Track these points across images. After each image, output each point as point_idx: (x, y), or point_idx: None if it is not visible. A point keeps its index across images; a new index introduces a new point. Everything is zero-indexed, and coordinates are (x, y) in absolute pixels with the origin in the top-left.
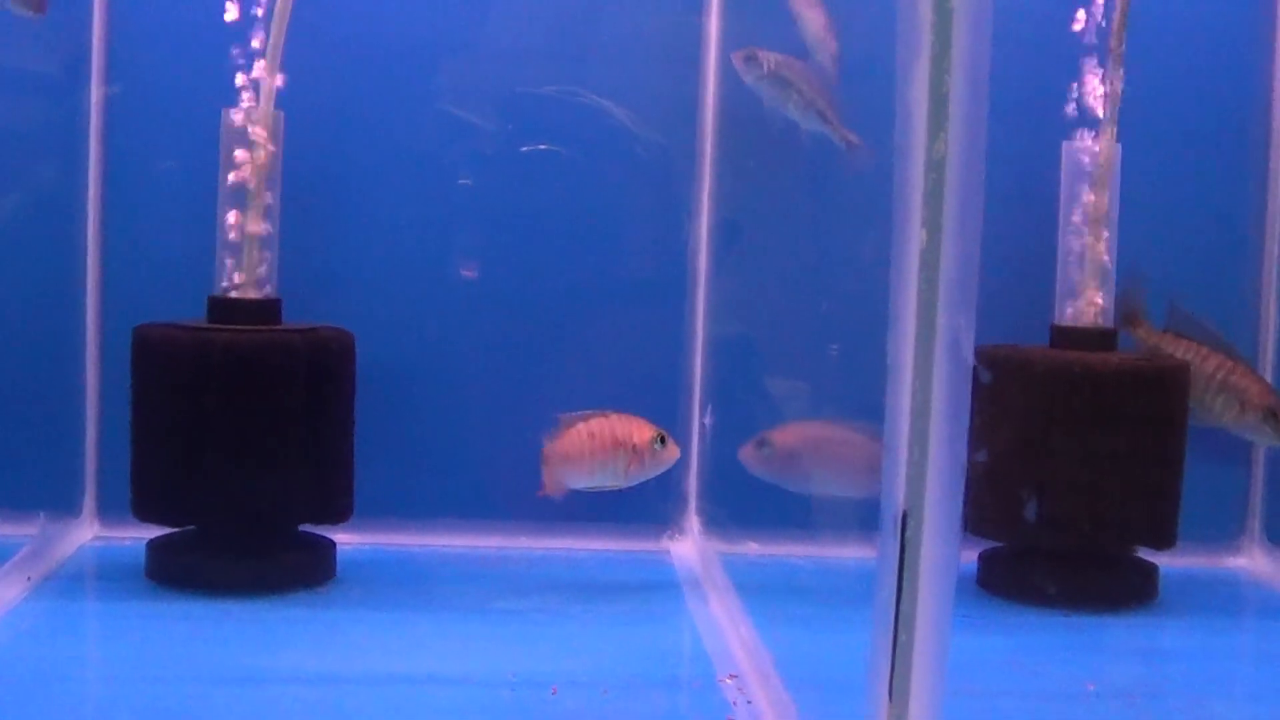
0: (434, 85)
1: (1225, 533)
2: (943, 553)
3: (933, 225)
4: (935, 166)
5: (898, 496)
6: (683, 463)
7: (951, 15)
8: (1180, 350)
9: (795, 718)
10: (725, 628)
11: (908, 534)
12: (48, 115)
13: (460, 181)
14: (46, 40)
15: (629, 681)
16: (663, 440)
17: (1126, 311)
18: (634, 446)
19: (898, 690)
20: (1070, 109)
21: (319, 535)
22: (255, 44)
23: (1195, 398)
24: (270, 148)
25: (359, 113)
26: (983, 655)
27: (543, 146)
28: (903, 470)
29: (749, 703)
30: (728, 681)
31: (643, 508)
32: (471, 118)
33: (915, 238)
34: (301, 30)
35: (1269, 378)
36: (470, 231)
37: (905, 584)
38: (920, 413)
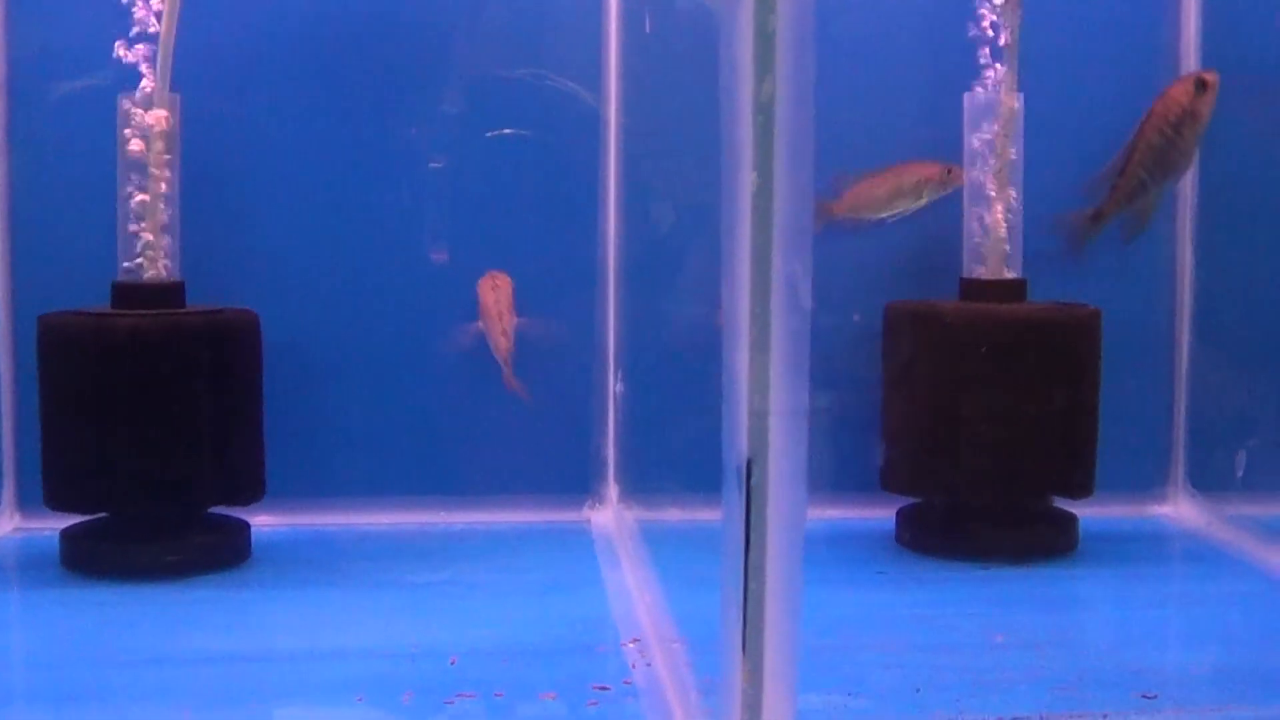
0: (337, 60)
1: (1149, 481)
2: (789, 500)
3: (763, 168)
4: (763, 108)
5: (740, 446)
6: (600, 431)
7: None
8: (1126, 183)
9: (690, 678)
10: (635, 595)
11: (752, 482)
12: None
13: (430, 164)
14: None
15: (531, 649)
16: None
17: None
18: (924, 177)
19: (751, 641)
20: (973, 58)
21: (232, 517)
22: (151, 29)
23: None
24: (166, 128)
25: (258, 91)
26: (894, 610)
27: (507, 131)
28: (744, 419)
29: (648, 665)
30: (630, 646)
31: (562, 478)
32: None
33: (746, 181)
34: (200, 7)
35: (1185, 324)
36: (375, 208)
37: (753, 534)
38: (759, 360)
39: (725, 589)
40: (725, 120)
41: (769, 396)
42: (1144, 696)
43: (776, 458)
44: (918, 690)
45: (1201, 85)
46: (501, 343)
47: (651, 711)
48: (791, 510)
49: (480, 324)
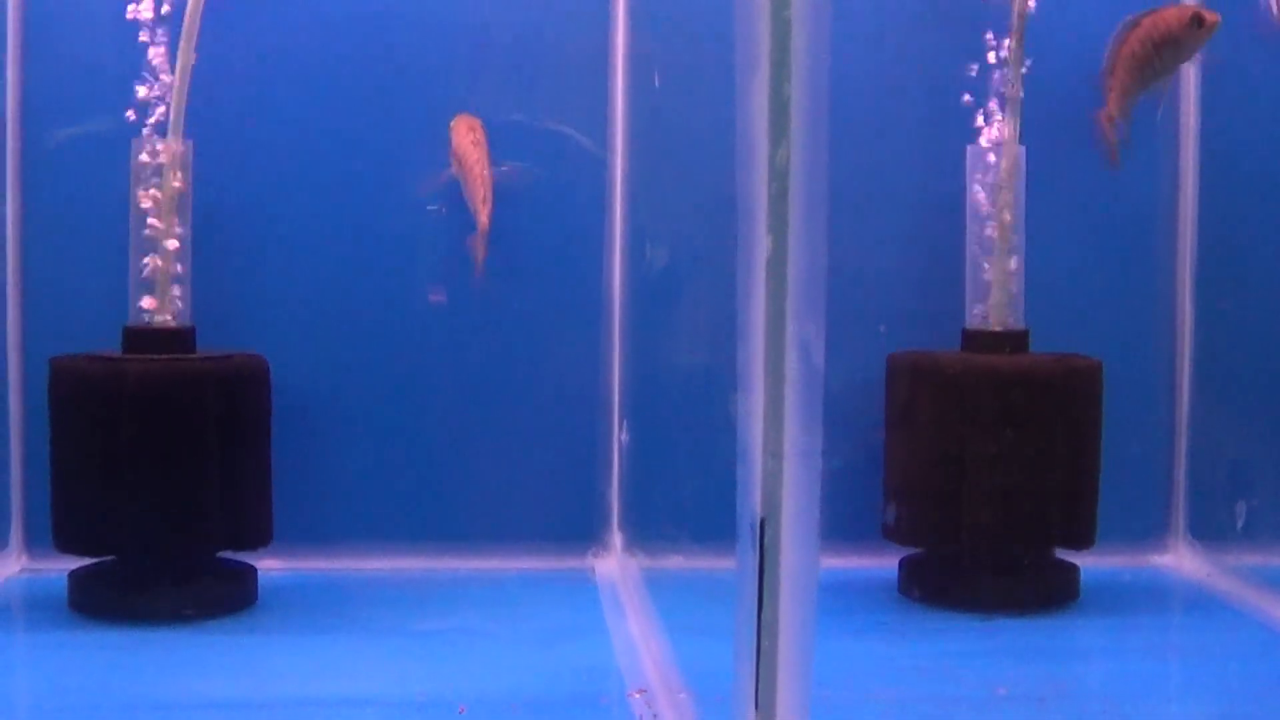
0: (346, 107)
1: (1150, 531)
2: (802, 558)
3: (778, 232)
4: (779, 174)
5: (754, 504)
6: (604, 479)
7: (789, 24)
8: (1127, 59)
9: None
10: (640, 643)
11: (766, 541)
12: None
13: (430, 209)
14: None
15: (539, 699)
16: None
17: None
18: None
19: (764, 697)
20: (975, 113)
21: (239, 562)
22: (164, 77)
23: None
24: (179, 175)
25: (269, 139)
26: (897, 661)
27: (504, 167)
28: (758, 477)
29: (655, 716)
30: (636, 696)
31: (566, 526)
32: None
33: (761, 244)
34: (212, 56)
35: (1185, 376)
36: (382, 255)
37: (766, 591)
38: (773, 420)
39: (739, 644)
40: (740, 185)
41: (782, 456)
42: None
43: (789, 517)
44: None
45: (1199, 21)
46: (482, 210)
47: None
48: (804, 569)
49: (454, 171)
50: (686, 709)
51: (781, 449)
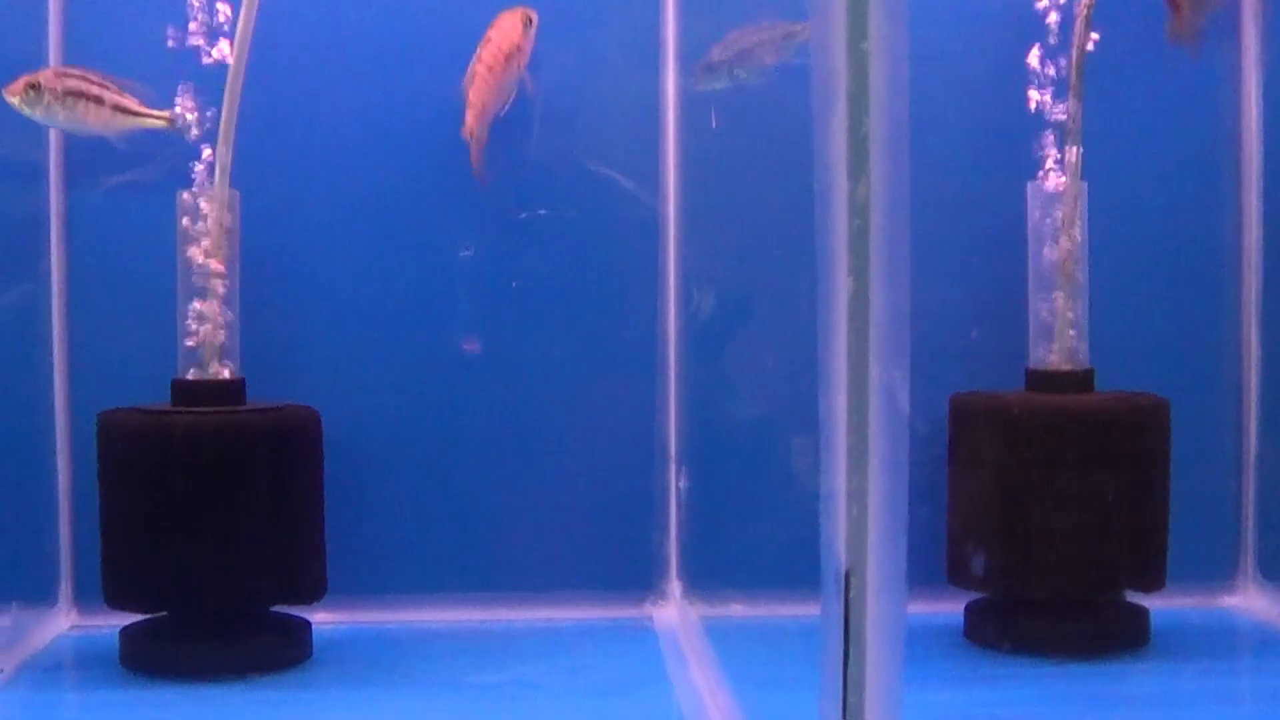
0: (396, 155)
1: (1219, 571)
2: (889, 611)
3: (859, 273)
4: (859, 211)
5: (839, 554)
6: (661, 526)
7: (867, 57)
8: None
9: None
10: (704, 694)
11: (851, 594)
12: (9, 210)
13: (461, 253)
14: (7, 127)
15: None
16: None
17: None
18: None
19: None
20: (1035, 147)
21: (293, 616)
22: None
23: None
24: (226, 225)
25: (317, 188)
26: (968, 710)
27: (541, 212)
28: (843, 527)
29: None
30: None
31: (624, 574)
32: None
33: (842, 286)
34: (258, 108)
35: (1253, 413)
36: (435, 304)
37: (852, 646)
38: (857, 468)
39: (825, 701)
40: (819, 224)
41: (868, 506)
42: None
43: (876, 568)
44: None
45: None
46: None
47: None
48: (891, 621)
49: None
50: None
51: (866, 498)
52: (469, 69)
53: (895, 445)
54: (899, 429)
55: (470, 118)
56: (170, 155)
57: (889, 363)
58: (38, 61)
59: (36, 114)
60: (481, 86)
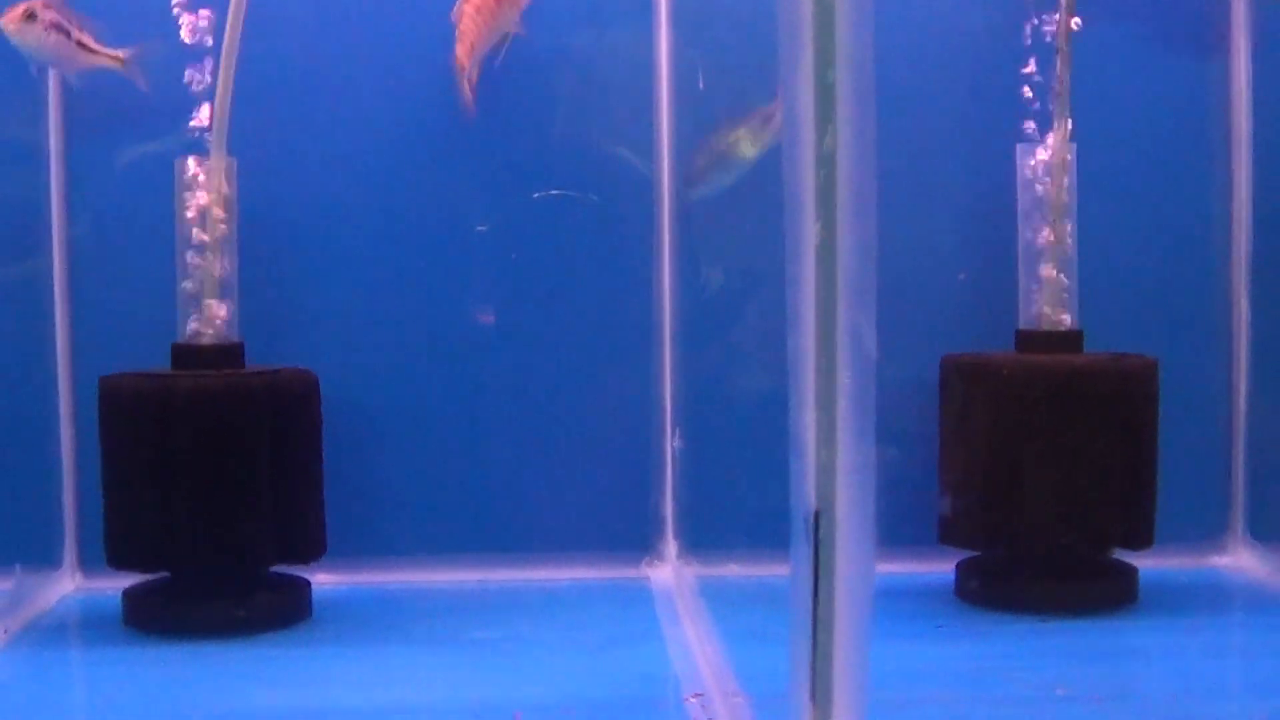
0: (394, 122)
1: (1209, 531)
2: (858, 552)
3: (826, 220)
4: (825, 161)
5: (808, 497)
6: (658, 488)
7: (833, 10)
8: None
9: None
10: (696, 650)
11: (820, 534)
12: (11, 180)
13: (477, 229)
14: (6, 100)
15: (594, 704)
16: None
17: None
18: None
19: (820, 693)
20: (1026, 110)
21: (293, 575)
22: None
23: None
24: (224, 192)
25: (316, 153)
26: (955, 663)
27: (555, 192)
28: (811, 470)
29: (710, 719)
30: (692, 700)
31: (621, 535)
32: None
33: (809, 232)
34: (255, 74)
35: (1243, 375)
36: (433, 268)
37: (821, 586)
38: (826, 411)
39: (794, 640)
40: (787, 173)
41: (836, 448)
42: None
43: (844, 509)
44: None
45: None
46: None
47: None
48: (860, 561)
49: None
50: (742, 711)
51: (835, 439)
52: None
53: (863, 388)
54: (866, 371)
55: (460, 50)
56: (171, 122)
57: (856, 307)
58: None
59: (28, 42)
60: (470, 23)
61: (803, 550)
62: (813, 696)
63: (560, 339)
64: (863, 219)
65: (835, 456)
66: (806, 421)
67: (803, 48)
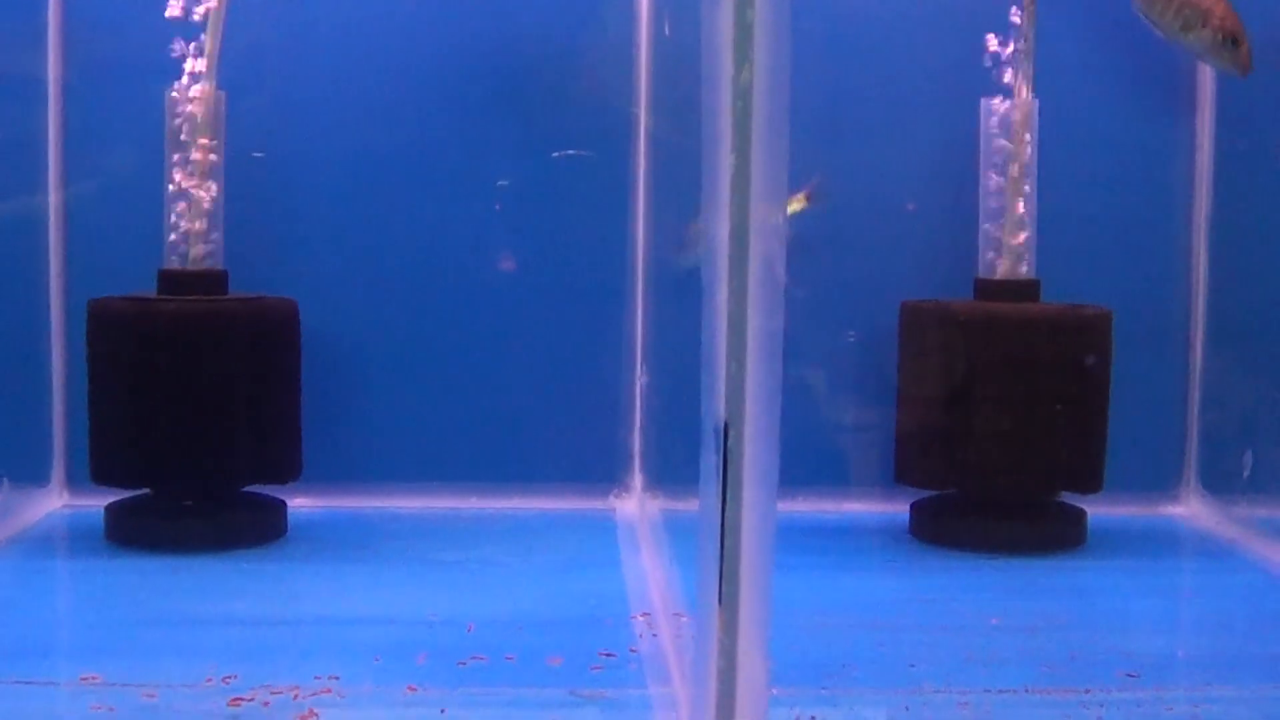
0: (377, 58)
1: (1162, 480)
2: (763, 461)
3: (741, 150)
4: (741, 94)
5: (718, 409)
6: (627, 422)
7: None
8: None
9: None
10: (650, 574)
11: (729, 444)
12: (4, 107)
13: (499, 183)
14: (5, 31)
15: (546, 621)
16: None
17: None
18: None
19: (727, 594)
20: (989, 66)
21: (269, 496)
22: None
23: (1157, 11)
24: (212, 123)
25: (300, 87)
26: (898, 595)
27: (571, 152)
28: (721, 385)
29: (654, 636)
30: (639, 619)
31: (589, 467)
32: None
33: (725, 162)
34: (245, 6)
35: (1200, 327)
36: (414, 203)
37: (729, 492)
38: (736, 330)
39: (703, 545)
40: (706, 106)
41: (745, 365)
42: (1127, 675)
43: (751, 421)
44: (911, 665)
45: (1233, 43)
46: None
47: (651, 676)
48: (765, 472)
49: None
50: (682, 628)
51: (744, 357)
52: None
53: (772, 309)
54: (775, 295)
55: None
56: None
57: (768, 236)
58: None
59: None
60: None
61: (712, 460)
62: (720, 599)
63: (536, 278)
64: (776, 151)
65: (744, 373)
66: (719, 340)
67: None
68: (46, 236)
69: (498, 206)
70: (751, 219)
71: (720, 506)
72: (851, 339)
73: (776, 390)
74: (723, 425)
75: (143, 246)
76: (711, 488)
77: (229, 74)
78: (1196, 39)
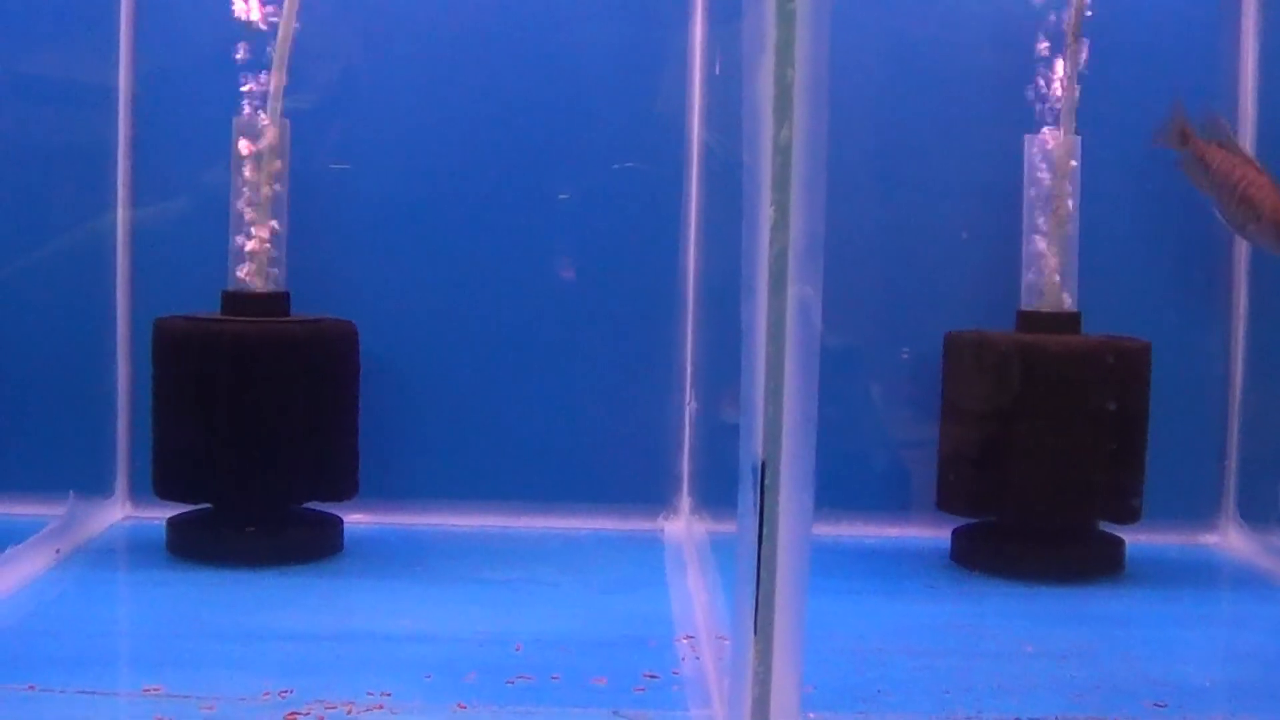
0: (438, 85)
1: (1201, 510)
2: (798, 499)
3: (780, 204)
4: (781, 150)
5: (756, 449)
6: (676, 446)
7: (794, 15)
8: (1219, 159)
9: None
10: (695, 596)
11: (766, 482)
12: (79, 128)
13: (560, 197)
14: (79, 56)
15: (592, 640)
16: None
17: (1178, 129)
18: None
19: (762, 625)
20: (1033, 103)
21: (326, 513)
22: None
23: (1220, 205)
24: (277, 151)
25: (363, 114)
26: (935, 621)
27: (630, 164)
28: (760, 425)
29: (696, 658)
30: (683, 641)
31: (639, 489)
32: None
33: (765, 214)
34: (312, 32)
35: (1239, 361)
36: (469, 229)
37: (765, 528)
38: (774, 372)
39: (740, 576)
40: (747, 160)
41: (782, 406)
42: (1155, 705)
43: (788, 461)
44: (945, 691)
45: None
46: None
47: (693, 699)
48: (800, 508)
49: None
50: (724, 651)
51: (781, 398)
52: None
53: (808, 352)
54: (811, 338)
55: None
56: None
57: (804, 282)
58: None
59: None
60: None
61: (749, 497)
62: (755, 628)
63: (590, 302)
64: (813, 204)
65: (781, 414)
66: (757, 381)
67: (764, 50)
68: (114, 255)
69: (562, 196)
70: (790, 266)
71: (757, 542)
72: (905, 356)
73: (812, 431)
74: (760, 465)
75: (208, 264)
76: (749, 522)
77: (292, 98)
78: (1256, 231)
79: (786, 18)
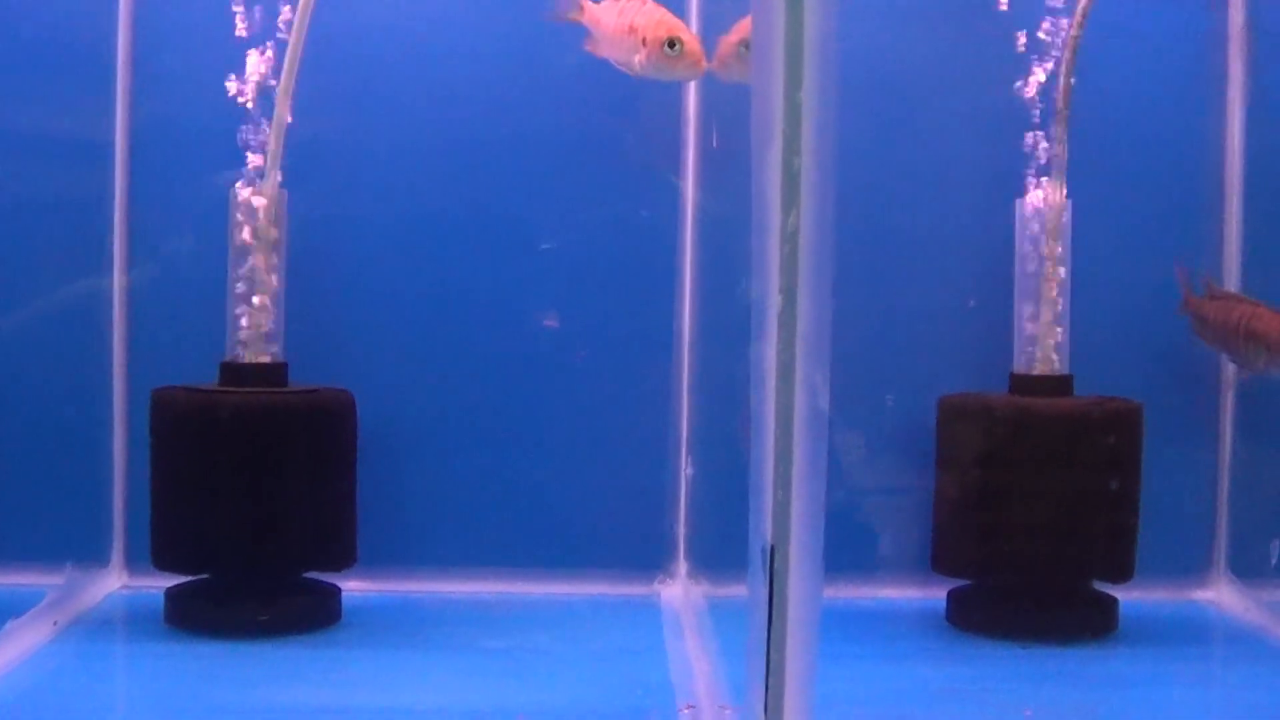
0: (433, 150)
1: (1192, 567)
2: (807, 582)
3: (788, 291)
4: (789, 238)
5: (765, 532)
6: (672, 510)
7: (800, 106)
8: (1213, 310)
9: None
10: (695, 663)
11: (775, 566)
12: (75, 193)
13: (542, 247)
14: (74, 115)
15: (593, 710)
16: (674, 45)
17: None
18: (644, 40)
19: (772, 706)
20: (1023, 166)
21: (325, 582)
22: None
23: (1231, 352)
24: (275, 221)
25: (356, 179)
26: (931, 684)
27: (644, 212)
28: (768, 509)
29: None
30: (685, 711)
31: (634, 554)
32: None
33: (773, 302)
34: (307, 103)
35: (1228, 419)
36: (463, 300)
37: (775, 611)
38: (783, 457)
39: (750, 659)
40: (755, 247)
41: (790, 490)
42: None
43: (796, 544)
44: None
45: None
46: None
47: None
48: (809, 592)
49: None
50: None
51: (790, 483)
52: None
53: (816, 437)
54: (819, 423)
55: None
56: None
57: (811, 367)
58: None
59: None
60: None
61: (759, 579)
62: (765, 708)
63: (583, 366)
64: (820, 291)
65: (790, 498)
66: (765, 465)
67: (772, 138)
68: (110, 324)
69: (545, 246)
70: (798, 353)
71: (767, 625)
72: (890, 403)
73: (820, 514)
74: (769, 548)
75: (205, 334)
76: (758, 606)
77: (288, 161)
78: (1270, 363)
79: (794, 109)
